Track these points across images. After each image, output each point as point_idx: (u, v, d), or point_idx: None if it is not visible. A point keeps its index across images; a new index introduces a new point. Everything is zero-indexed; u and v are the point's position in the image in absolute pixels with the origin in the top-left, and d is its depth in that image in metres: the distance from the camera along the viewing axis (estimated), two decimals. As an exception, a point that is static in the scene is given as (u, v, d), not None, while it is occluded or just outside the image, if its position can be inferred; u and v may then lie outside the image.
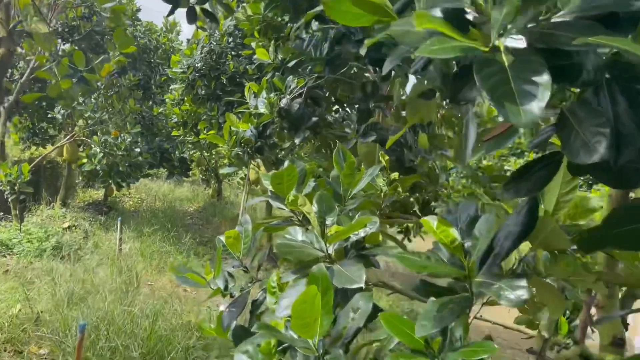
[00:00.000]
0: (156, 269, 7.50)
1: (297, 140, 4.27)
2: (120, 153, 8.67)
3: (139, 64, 10.20)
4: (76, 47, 6.81)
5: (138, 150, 9.10)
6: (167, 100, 10.14)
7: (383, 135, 3.90)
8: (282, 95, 4.45)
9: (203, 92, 7.33)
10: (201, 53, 7.03)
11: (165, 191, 18.46)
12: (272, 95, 4.44)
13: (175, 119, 8.46)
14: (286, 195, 1.83)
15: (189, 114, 8.14)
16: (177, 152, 9.18)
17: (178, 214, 13.13)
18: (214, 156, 12.74)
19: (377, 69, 4.07)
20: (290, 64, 4.16)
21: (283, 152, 5.76)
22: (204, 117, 7.61)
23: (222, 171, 4.58)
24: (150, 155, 9.28)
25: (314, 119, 4.34)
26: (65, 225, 9.36)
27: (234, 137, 4.53)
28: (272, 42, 5.13)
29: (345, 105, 6.59)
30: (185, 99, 8.03)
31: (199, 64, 7.03)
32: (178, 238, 9.32)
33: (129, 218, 11.17)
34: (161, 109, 9.58)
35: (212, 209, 13.95)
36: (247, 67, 6.98)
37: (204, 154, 13.22)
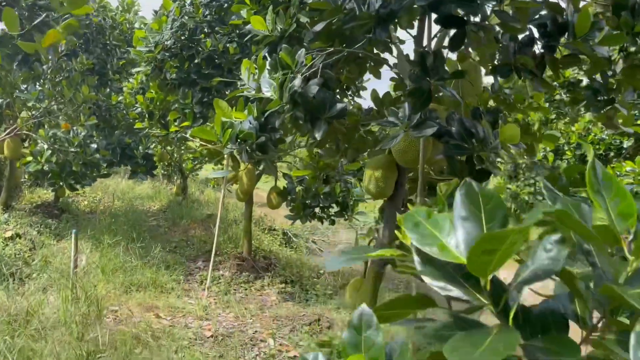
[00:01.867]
0: (121, 288, 6.27)
1: (317, 134, 3.20)
2: (72, 150, 7.33)
3: (92, 46, 8.81)
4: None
5: (94, 146, 7.77)
6: (125, 89, 8.80)
7: (438, 125, 2.88)
8: (292, 75, 3.37)
9: (174, 75, 6.11)
10: (171, 28, 5.80)
11: (124, 188, 16.91)
12: (279, 74, 3.35)
13: (139, 109, 7.20)
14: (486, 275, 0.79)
15: (156, 103, 6.89)
16: (140, 147, 7.88)
17: (140, 216, 11.77)
18: (177, 150, 11.47)
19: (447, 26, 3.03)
20: (318, 27, 3.06)
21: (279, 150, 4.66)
22: (175, 106, 6.39)
23: (207, 176, 3.48)
24: (109, 152, 7.95)
25: (340, 105, 3.27)
26: (8, 234, 7.94)
27: (229, 131, 3.41)
28: (270, 8, 4.01)
29: (351, 89, 5.51)
30: (152, 84, 6.78)
31: (169, 42, 5.80)
32: (145, 248, 8.05)
33: (85, 223, 9.78)
34: (120, 97, 8.23)
35: (178, 209, 12.63)
36: (228, 45, 5.80)
37: (166, 147, 11.92)
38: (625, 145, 9.87)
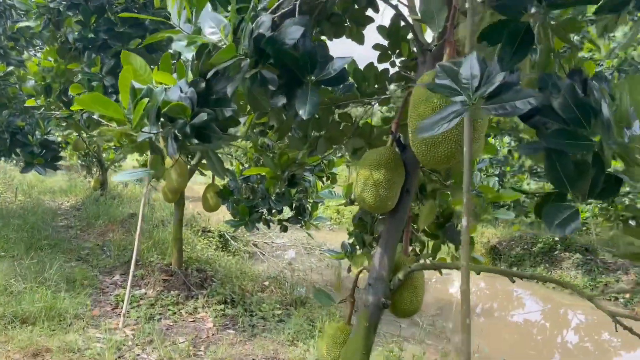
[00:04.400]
0: (0, 322, 4.59)
1: (302, 110, 1.84)
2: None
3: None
4: None
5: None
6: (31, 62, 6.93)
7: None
8: (255, 13, 1.99)
9: (76, 35, 4.49)
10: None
11: (32, 181, 14.66)
12: (231, 9, 1.94)
13: (33, 82, 5.44)
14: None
15: (55, 74, 5.19)
16: (38, 132, 6.10)
17: (47, 215, 9.84)
18: (88, 137, 9.67)
19: None
20: None
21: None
22: (79, 77, 4.76)
23: (115, 178, 2.23)
24: (-7, 137, 6.11)
25: (339, 62, 1.94)
26: None
27: (143, 102, 1.97)
28: None
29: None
30: (47, 48, 5.09)
31: (67, -15, 4.15)
32: (42, 261, 6.31)
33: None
34: (10, 69, 6.37)
35: (94, 207, 10.76)
36: (152, -6, 4.26)
37: (82, 134, 10.03)
38: None
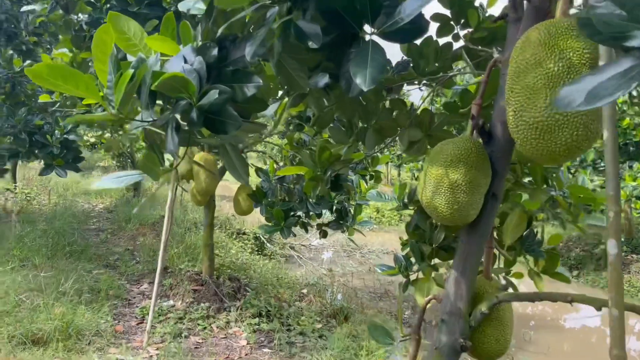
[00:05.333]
0: (9, 344, 4.11)
1: (359, 79, 1.13)
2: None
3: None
4: None
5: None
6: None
7: None
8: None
9: (88, 18, 3.95)
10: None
11: (68, 183, 14.49)
12: None
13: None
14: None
15: (71, 64, 4.69)
16: (57, 131, 5.64)
17: (77, 218, 9.50)
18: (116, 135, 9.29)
19: None
20: None
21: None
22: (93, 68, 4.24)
23: (96, 185, 1.79)
24: (12, 137, 5.69)
25: (413, 4, 1.22)
26: None
27: (127, 75, 1.35)
28: None
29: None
30: (62, 37, 4.59)
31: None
32: (64, 270, 5.87)
33: (1, 231, 7.47)
34: (27, 62, 5.95)
35: (126, 209, 10.39)
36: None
37: (113, 134, 9.68)
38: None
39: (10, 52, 6.06)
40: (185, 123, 1.53)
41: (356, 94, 1.50)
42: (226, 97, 1.48)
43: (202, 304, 5.70)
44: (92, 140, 13.19)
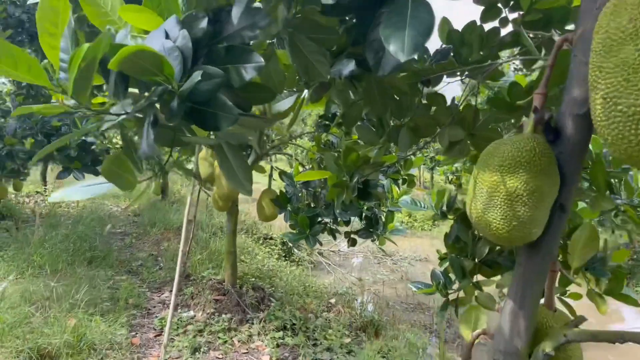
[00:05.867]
0: (16, 359, 3.86)
1: (394, 47, 0.72)
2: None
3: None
4: None
5: (15, 127, 5.33)
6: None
7: None
8: None
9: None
10: None
11: (97, 185, 14.48)
12: None
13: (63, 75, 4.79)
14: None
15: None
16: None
17: (101, 222, 9.36)
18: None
19: None
20: None
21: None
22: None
23: (52, 198, 1.52)
24: (33, 140, 5.50)
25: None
26: None
27: (81, 50, 1.02)
28: None
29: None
30: (77, 32, 4.40)
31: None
32: (86, 275, 5.65)
33: (24, 235, 7.35)
34: (45, 61, 5.82)
35: (152, 213, 10.22)
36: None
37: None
38: None
39: (28, 51, 5.93)
40: (164, 113, 1.18)
41: (389, 71, 1.12)
42: (218, 81, 1.12)
43: (223, 315, 5.38)
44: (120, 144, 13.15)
